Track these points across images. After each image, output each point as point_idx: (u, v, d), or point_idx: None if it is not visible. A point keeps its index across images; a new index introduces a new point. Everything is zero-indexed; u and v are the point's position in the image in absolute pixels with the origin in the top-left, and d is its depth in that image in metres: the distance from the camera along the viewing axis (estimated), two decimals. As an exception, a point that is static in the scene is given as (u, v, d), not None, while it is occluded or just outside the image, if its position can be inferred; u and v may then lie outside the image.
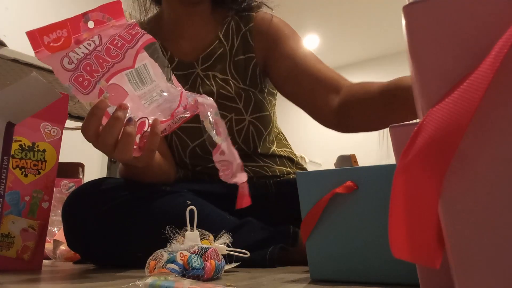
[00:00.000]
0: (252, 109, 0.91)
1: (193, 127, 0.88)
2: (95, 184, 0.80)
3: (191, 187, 0.87)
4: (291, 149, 1.05)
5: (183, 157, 0.92)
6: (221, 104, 0.88)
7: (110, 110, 0.58)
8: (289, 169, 0.99)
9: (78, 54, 0.57)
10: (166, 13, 0.98)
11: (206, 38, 0.94)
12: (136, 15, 0.98)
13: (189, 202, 0.77)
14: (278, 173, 0.96)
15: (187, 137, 0.90)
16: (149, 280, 0.43)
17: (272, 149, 0.99)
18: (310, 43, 4.79)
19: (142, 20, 1.00)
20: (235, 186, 0.67)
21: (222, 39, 0.93)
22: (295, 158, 1.03)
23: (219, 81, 0.91)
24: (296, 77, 0.86)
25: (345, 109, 0.79)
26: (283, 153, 1.00)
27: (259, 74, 0.93)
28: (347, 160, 1.29)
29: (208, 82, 0.91)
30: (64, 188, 1.24)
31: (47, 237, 0.84)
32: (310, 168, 0.95)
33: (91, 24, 0.59)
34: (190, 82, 0.92)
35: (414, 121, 0.57)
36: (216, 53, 0.93)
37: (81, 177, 1.40)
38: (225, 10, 0.96)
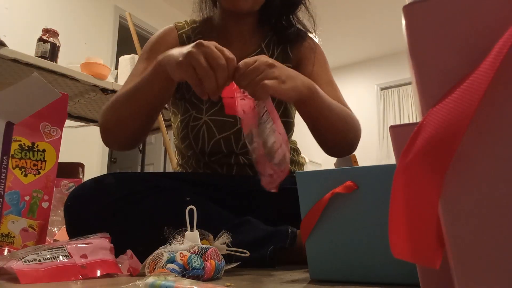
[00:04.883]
0: (281, 113, 0.99)
1: (224, 120, 0.94)
2: (97, 180, 0.82)
3: (195, 178, 0.89)
4: (301, 157, 1.12)
5: (206, 147, 0.96)
6: None
7: None
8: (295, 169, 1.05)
9: None
10: (218, 18, 1.06)
11: (250, 48, 1.03)
12: (193, 15, 1.08)
13: (188, 199, 0.78)
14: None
15: (217, 128, 0.95)
16: (149, 280, 0.43)
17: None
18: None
19: (197, 19, 1.08)
20: (239, 182, 0.69)
21: (264, 49, 1.03)
22: (304, 163, 1.10)
23: None
24: None
25: None
26: (295, 159, 1.06)
27: None
28: (347, 160, 1.29)
29: None
30: (64, 188, 1.23)
31: (47, 237, 0.84)
32: (310, 168, 0.96)
33: None
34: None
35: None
36: None
37: (81, 177, 1.40)
38: (269, 27, 1.07)
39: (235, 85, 0.71)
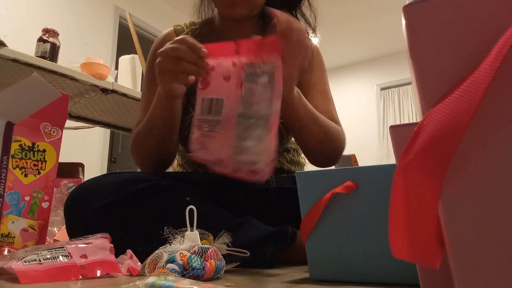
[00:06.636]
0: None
1: None
2: (97, 179, 0.82)
3: (195, 178, 0.89)
4: (301, 157, 1.12)
5: None
6: None
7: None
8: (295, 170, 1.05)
9: None
10: (218, 20, 1.05)
11: None
12: (192, 17, 1.08)
13: (188, 199, 0.78)
14: (285, 169, 1.02)
15: None
16: (149, 280, 0.43)
17: (288, 153, 1.06)
18: (310, 43, 4.79)
19: (196, 21, 1.08)
20: (239, 182, 0.70)
21: None
22: (304, 163, 1.10)
23: None
24: None
25: None
26: (295, 159, 1.07)
27: None
28: (347, 160, 1.30)
29: None
30: (64, 188, 1.23)
31: (47, 237, 0.84)
32: (310, 168, 0.97)
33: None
34: None
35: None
36: None
37: (81, 177, 1.40)
38: (272, 27, 1.06)
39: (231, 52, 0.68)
